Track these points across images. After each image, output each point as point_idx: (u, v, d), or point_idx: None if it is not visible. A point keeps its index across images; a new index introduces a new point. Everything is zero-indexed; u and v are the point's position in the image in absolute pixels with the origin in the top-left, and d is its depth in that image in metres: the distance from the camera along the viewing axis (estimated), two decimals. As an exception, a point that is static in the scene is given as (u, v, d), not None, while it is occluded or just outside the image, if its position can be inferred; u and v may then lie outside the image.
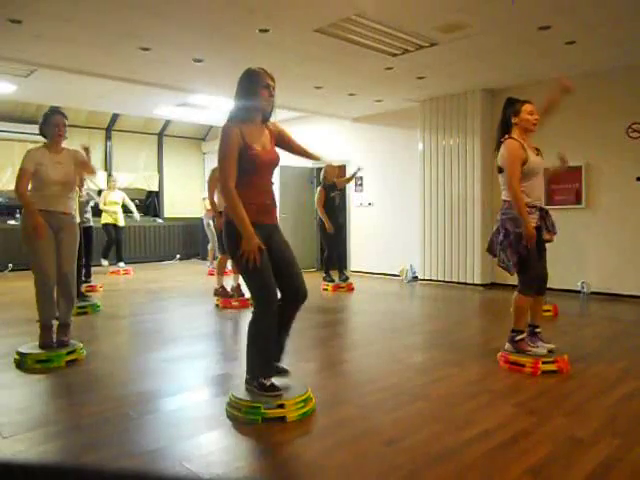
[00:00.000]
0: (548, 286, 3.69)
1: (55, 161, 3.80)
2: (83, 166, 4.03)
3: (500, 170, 3.53)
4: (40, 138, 3.95)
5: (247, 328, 2.76)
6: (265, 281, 2.67)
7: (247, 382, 2.78)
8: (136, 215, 9.57)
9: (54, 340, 3.78)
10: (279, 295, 2.78)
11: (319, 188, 7.40)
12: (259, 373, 2.73)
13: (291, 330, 2.92)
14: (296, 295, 2.80)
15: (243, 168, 2.67)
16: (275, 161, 2.80)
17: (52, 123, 3.82)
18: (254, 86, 2.72)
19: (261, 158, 2.70)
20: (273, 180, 2.87)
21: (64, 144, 3.92)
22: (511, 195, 3.39)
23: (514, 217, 3.40)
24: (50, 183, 3.76)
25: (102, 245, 9.06)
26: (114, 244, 9.10)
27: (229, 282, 6.38)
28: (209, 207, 6.33)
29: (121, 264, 9.24)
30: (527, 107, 3.49)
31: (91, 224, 6.71)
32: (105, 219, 8.90)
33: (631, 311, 5.70)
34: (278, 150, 2.89)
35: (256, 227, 2.66)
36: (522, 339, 3.56)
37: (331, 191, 7.35)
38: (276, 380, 2.79)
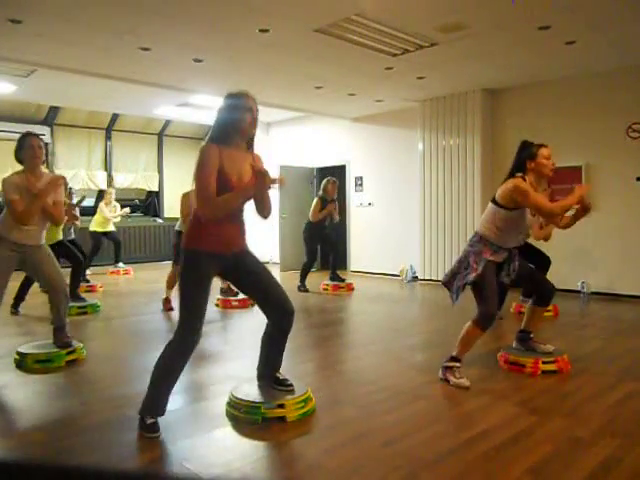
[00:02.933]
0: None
1: (32, 193, 3.47)
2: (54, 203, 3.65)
3: (493, 201, 3.34)
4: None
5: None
6: (195, 310, 2.56)
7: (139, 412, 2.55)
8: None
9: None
10: (268, 317, 2.71)
11: (316, 198, 7.18)
12: (144, 406, 2.52)
13: (285, 346, 2.82)
14: (285, 310, 2.69)
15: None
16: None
17: (27, 145, 3.54)
18: (236, 110, 2.55)
19: (233, 189, 2.47)
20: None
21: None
22: (544, 209, 3.18)
23: (479, 252, 3.29)
24: None
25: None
26: (98, 252, 8.60)
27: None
28: None
29: (120, 264, 9.22)
30: (544, 151, 3.31)
31: (73, 236, 6.48)
32: (93, 227, 8.59)
33: (631, 311, 5.69)
34: None
35: (215, 258, 2.51)
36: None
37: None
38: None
